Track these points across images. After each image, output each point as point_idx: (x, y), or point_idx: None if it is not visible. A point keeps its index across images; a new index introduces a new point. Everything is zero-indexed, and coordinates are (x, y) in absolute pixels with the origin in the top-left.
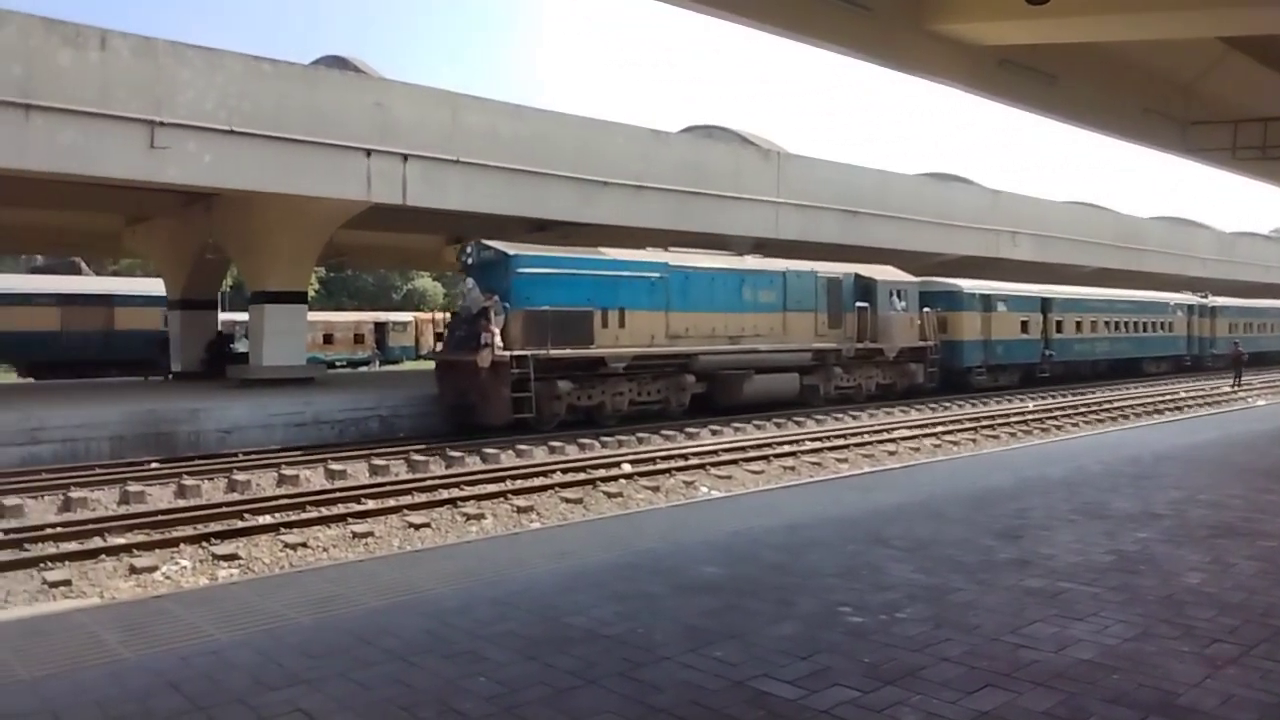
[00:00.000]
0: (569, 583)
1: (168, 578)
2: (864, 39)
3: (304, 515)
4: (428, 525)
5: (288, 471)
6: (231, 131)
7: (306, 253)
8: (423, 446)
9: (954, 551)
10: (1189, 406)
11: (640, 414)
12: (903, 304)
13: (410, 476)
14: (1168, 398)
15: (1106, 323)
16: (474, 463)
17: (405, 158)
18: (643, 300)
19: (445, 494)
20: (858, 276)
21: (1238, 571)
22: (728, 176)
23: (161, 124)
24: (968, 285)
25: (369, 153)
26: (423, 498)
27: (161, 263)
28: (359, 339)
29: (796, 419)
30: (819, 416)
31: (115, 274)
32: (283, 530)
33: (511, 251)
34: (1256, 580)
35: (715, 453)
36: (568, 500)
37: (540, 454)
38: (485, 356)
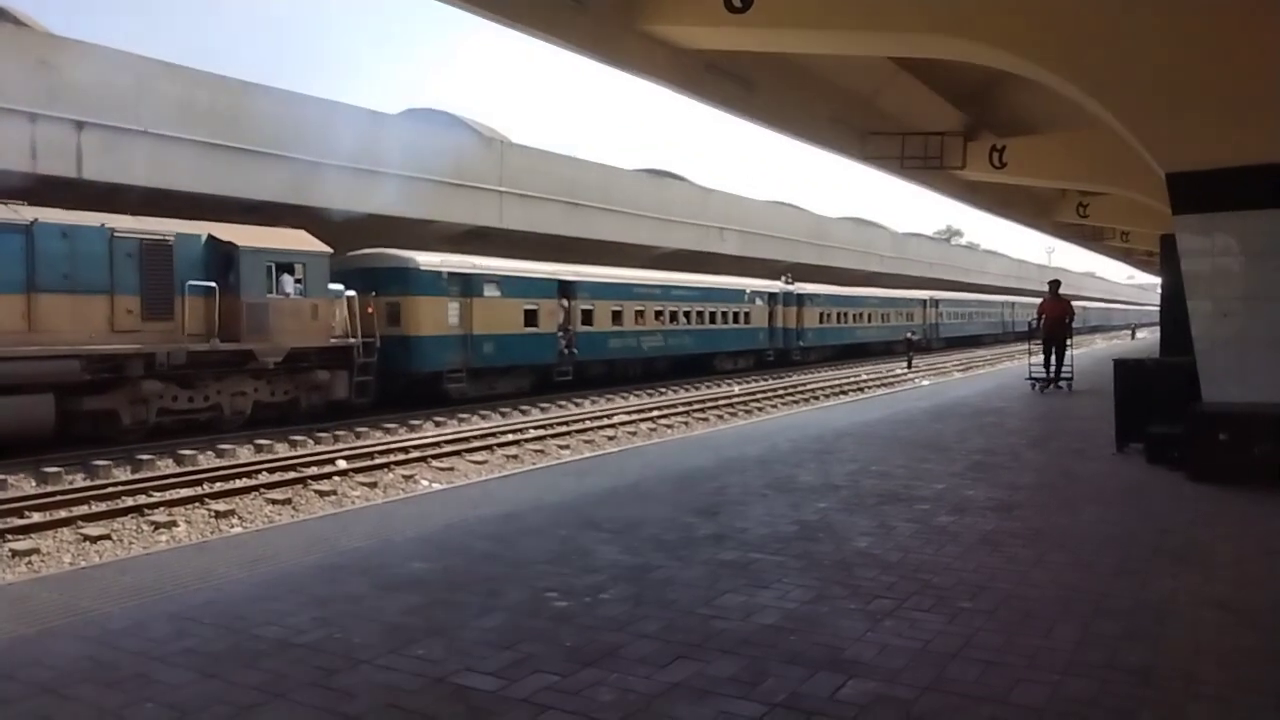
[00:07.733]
0: (262, 590)
1: None
2: (579, 34)
3: None
4: (107, 537)
5: None
6: None
7: None
8: (101, 450)
9: (658, 530)
10: (870, 387)
11: None
12: (297, 284)
13: (88, 484)
14: (852, 379)
15: (659, 313)
16: (166, 465)
17: (80, 125)
18: None
19: (130, 501)
20: (211, 239)
21: (898, 533)
22: (449, 162)
23: None
24: (427, 260)
25: (34, 118)
26: (102, 507)
27: None
28: None
29: (521, 407)
30: (543, 405)
31: None
32: None
33: None
34: (911, 540)
35: (438, 444)
36: (275, 502)
37: (245, 453)
38: None
